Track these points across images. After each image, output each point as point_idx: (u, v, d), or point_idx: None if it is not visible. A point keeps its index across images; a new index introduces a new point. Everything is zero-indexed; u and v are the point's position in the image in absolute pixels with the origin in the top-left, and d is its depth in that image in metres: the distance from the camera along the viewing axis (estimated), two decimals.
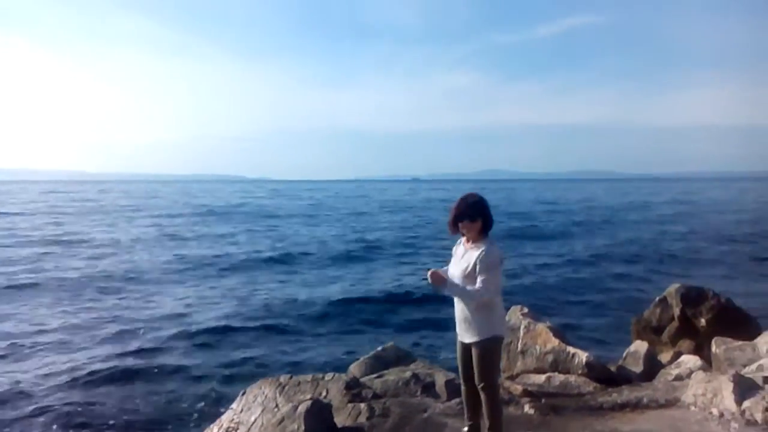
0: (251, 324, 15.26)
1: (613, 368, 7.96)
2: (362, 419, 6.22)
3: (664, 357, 9.87)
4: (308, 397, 6.97)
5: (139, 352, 12.66)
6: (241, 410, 7.32)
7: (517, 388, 6.99)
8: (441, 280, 4.90)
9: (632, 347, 8.19)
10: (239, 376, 10.81)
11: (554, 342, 7.68)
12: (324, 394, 6.94)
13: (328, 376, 7.22)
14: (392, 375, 7.34)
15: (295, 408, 6.06)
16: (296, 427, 5.82)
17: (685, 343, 9.83)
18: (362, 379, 7.43)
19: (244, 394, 7.55)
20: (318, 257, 28.13)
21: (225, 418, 7.33)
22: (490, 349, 4.96)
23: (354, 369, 8.11)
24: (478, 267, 4.82)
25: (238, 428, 7.08)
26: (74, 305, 17.29)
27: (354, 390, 6.86)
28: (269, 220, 51.05)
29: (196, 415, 9.16)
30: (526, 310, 8.56)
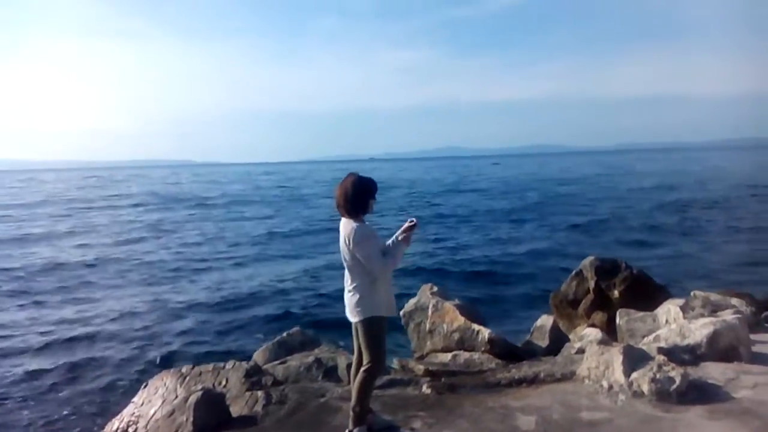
0: (164, 313, 14.95)
1: (521, 344, 8.04)
2: (258, 408, 6.11)
3: (580, 330, 10.03)
4: (208, 386, 6.86)
5: (46, 345, 12.26)
6: (142, 403, 7.14)
7: (419, 368, 6.99)
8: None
9: (539, 321, 8.27)
10: (148, 368, 10.58)
11: (460, 320, 7.70)
12: (224, 382, 6.83)
13: (229, 364, 7.10)
14: (295, 360, 7.26)
15: (186, 399, 5.93)
16: (185, 419, 5.70)
17: (598, 316, 10.01)
18: (265, 366, 7.33)
19: (146, 386, 7.38)
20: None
21: (126, 412, 7.14)
22: None
23: (257, 356, 8.01)
24: None
25: (138, 422, 6.91)
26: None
27: (253, 378, 6.76)
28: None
29: (98, 409, 8.92)
30: (435, 288, 8.56)
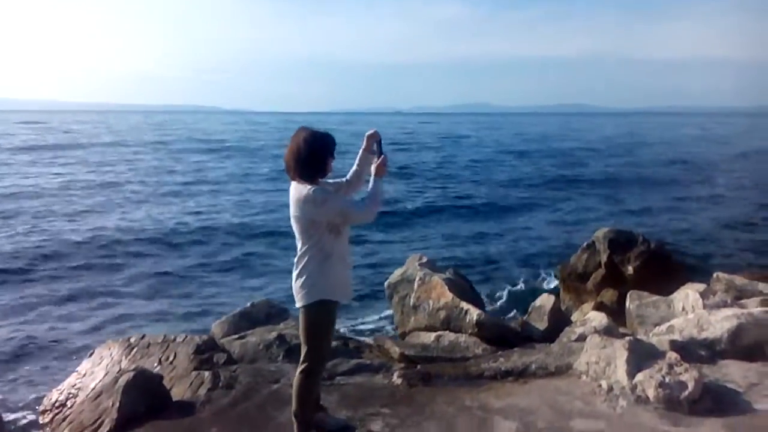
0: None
1: (516, 324, 7.15)
2: (202, 391, 5.33)
3: (587, 308, 9.15)
4: (155, 360, 6.10)
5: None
6: (84, 374, 6.42)
7: (395, 351, 6.15)
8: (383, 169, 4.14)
9: (538, 301, 7.35)
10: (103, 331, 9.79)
11: (448, 297, 6.80)
12: (171, 358, 6.03)
13: (181, 336, 6.30)
14: (255, 336, 6.43)
15: (116, 380, 5.14)
16: (111, 403, 4.91)
17: (608, 293, 9.11)
18: (222, 340, 6.54)
19: (91, 355, 6.66)
20: None
21: (67, 383, 6.43)
22: None
23: (216, 328, 7.20)
24: None
25: (77, 395, 6.19)
26: None
27: (204, 354, 5.94)
28: None
29: (41, 377, 8.20)
30: (424, 259, 7.66)
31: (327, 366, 5.55)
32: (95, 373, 6.30)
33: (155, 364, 5.99)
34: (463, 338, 6.49)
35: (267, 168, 38.21)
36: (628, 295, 7.36)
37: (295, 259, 4.16)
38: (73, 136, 69.86)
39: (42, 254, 15.53)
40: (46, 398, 6.41)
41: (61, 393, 6.33)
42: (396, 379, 5.43)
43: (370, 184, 4.15)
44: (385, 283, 7.65)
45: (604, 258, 9.44)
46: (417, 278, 7.16)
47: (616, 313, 8.02)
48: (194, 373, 5.62)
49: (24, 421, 6.95)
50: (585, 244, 9.95)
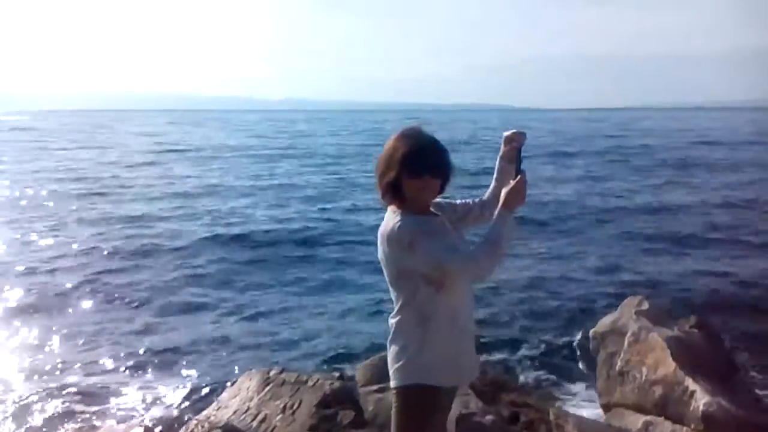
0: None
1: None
2: None
3: None
4: (280, 406, 5.16)
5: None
6: (220, 406, 5.73)
7: None
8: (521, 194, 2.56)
9: None
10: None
11: (669, 367, 4.79)
12: (296, 406, 5.01)
13: (313, 379, 5.22)
14: None
15: None
16: None
17: None
18: (361, 389, 5.33)
19: (233, 383, 5.97)
20: None
21: (204, 414, 5.79)
22: None
23: (360, 372, 6.00)
24: None
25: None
26: None
27: (329, 409, 4.80)
28: None
29: (200, 396, 7.67)
30: (645, 305, 5.62)
31: None
32: (229, 406, 5.58)
33: (278, 412, 5.04)
34: None
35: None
36: None
37: (389, 319, 2.81)
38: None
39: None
40: (184, 428, 5.86)
41: (198, 425, 5.72)
42: None
43: (493, 218, 2.58)
44: (591, 332, 5.83)
45: None
46: (629, 332, 5.25)
47: None
48: None
49: None
50: None
